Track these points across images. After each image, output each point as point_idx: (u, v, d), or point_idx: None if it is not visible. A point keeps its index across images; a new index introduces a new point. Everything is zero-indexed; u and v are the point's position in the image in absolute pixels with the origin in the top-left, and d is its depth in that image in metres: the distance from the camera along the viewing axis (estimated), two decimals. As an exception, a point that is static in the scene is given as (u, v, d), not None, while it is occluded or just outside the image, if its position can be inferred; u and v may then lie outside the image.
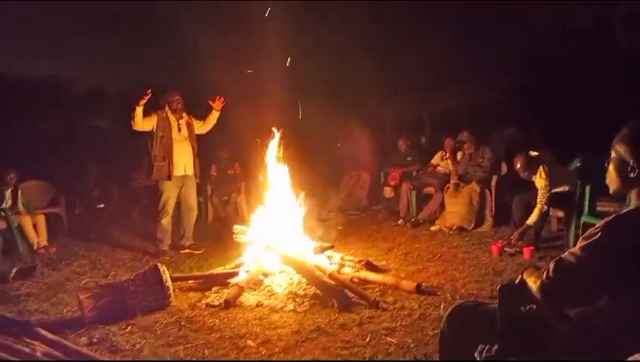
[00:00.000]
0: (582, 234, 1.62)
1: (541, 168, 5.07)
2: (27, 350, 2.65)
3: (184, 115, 5.79)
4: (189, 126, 5.83)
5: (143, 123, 5.49)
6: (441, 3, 10.01)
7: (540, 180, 5.07)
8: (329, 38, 10.59)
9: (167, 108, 5.69)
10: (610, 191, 1.72)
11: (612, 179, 1.69)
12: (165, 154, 5.60)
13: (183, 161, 5.72)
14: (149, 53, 14.28)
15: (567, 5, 9.78)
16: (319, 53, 10.41)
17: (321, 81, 10.00)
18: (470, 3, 10.04)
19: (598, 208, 4.87)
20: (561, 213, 5.33)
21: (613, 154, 1.67)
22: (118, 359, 2.94)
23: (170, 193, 5.67)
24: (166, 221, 5.71)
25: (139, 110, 5.39)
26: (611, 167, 1.68)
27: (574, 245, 1.63)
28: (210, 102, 5.90)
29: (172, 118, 5.69)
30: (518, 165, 5.23)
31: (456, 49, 9.81)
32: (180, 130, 5.72)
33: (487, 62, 9.94)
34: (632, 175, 1.59)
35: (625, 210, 1.59)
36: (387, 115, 11.49)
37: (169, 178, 5.61)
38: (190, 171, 5.78)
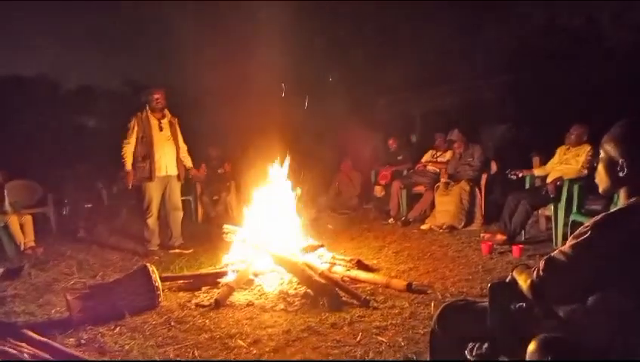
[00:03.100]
0: (571, 233, 1.63)
1: (589, 145, 5.27)
2: (14, 352, 2.62)
3: (167, 113, 5.60)
4: (173, 125, 5.62)
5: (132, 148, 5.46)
6: (434, 2, 10.04)
7: (585, 147, 5.26)
8: (321, 37, 10.58)
9: (147, 107, 5.49)
10: (600, 190, 1.72)
11: (601, 179, 1.69)
12: (146, 154, 5.43)
13: (165, 161, 5.54)
14: (139, 52, 14.17)
15: (556, 3, 9.85)
16: (310, 52, 10.40)
17: (311, 80, 9.98)
18: (462, 2, 10.07)
19: (587, 206, 4.92)
20: (549, 212, 5.38)
21: (602, 154, 1.67)
22: (106, 360, 2.91)
23: (152, 193, 5.52)
24: (152, 221, 5.58)
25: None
26: (600, 167, 1.68)
27: (563, 243, 1.63)
28: (193, 169, 5.90)
29: (152, 117, 5.49)
30: (573, 135, 5.35)
31: (447, 47, 9.84)
32: (161, 129, 5.52)
33: (478, 60, 9.98)
34: (621, 174, 1.59)
35: (614, 209, 1.60)
36: (378, 113, 11.49)
37: (150, 179, 5.46)
38: (173, 172, 5.62)
